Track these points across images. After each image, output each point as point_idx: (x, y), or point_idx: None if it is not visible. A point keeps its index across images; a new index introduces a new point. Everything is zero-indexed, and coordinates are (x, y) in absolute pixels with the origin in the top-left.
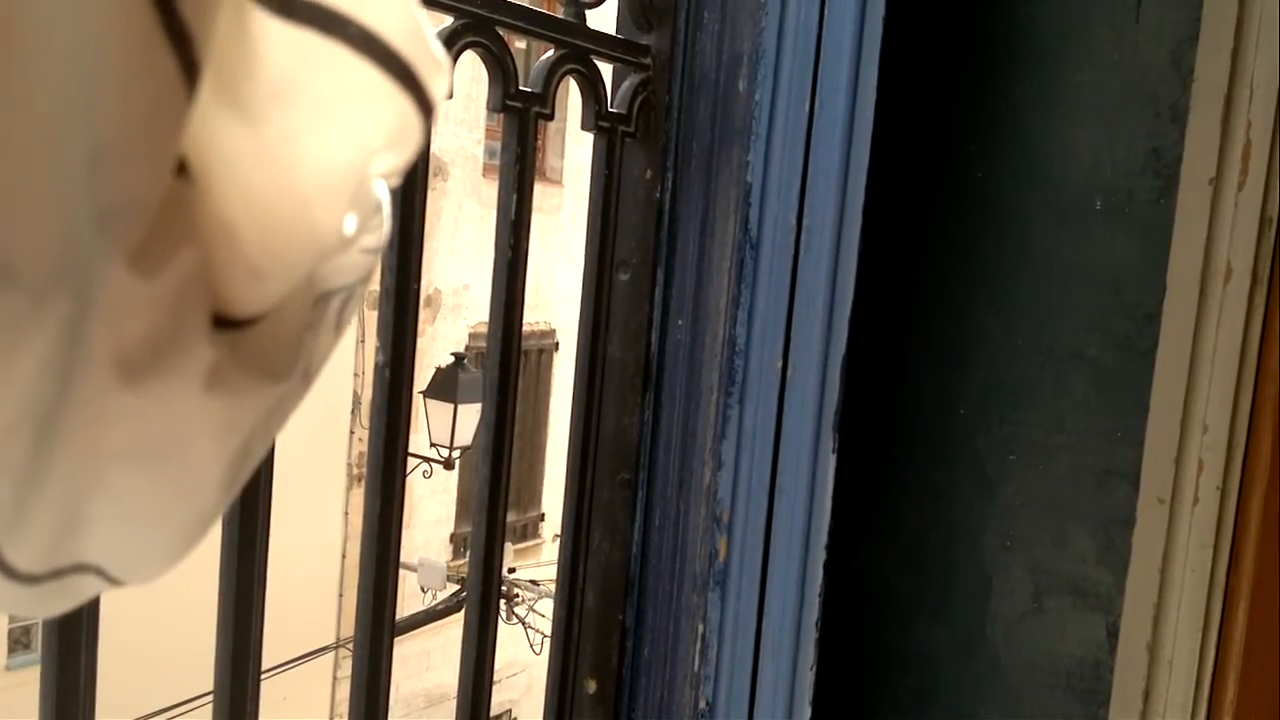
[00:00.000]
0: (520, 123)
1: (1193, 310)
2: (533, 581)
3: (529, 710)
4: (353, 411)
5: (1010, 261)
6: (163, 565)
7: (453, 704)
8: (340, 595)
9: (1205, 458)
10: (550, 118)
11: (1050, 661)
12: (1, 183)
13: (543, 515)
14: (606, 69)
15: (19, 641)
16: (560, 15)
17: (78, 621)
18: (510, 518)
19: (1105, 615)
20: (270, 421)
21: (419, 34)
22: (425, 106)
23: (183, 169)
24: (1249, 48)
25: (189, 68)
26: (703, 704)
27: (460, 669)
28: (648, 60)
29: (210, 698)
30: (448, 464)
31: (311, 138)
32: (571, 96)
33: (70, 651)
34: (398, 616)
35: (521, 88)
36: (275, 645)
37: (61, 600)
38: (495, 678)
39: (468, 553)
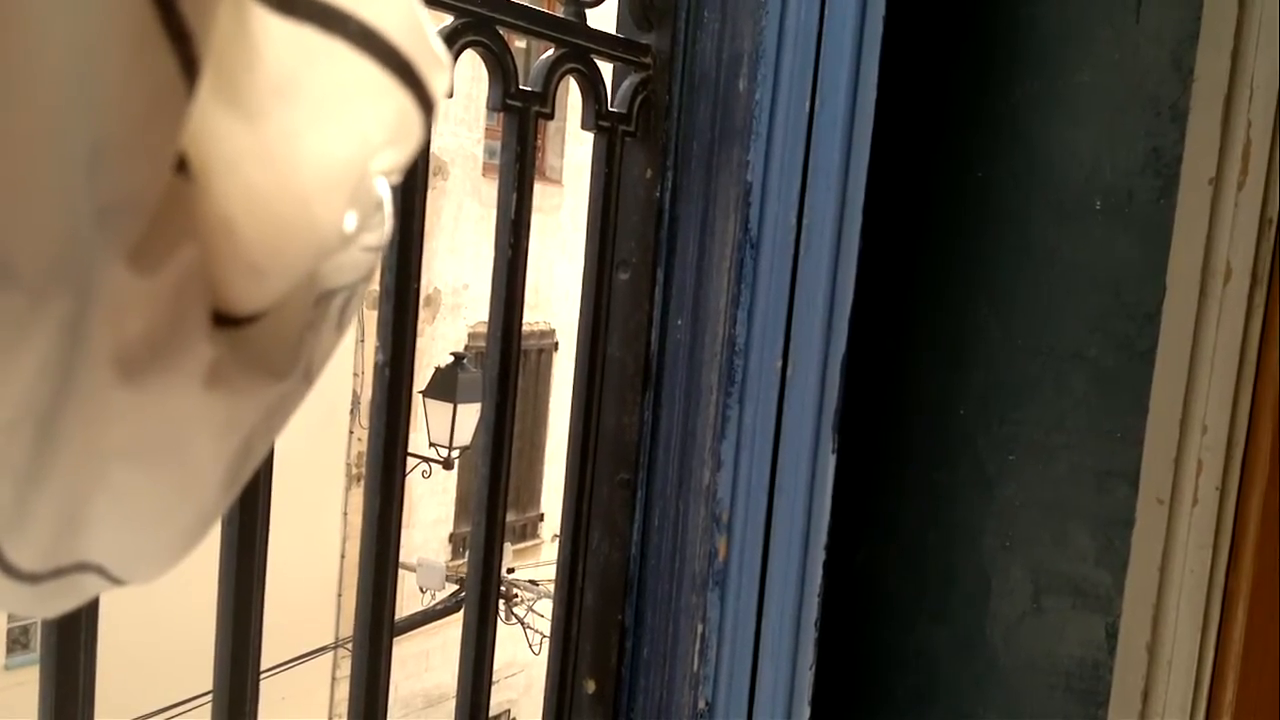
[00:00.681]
0: (520, 122)
1: (1192, 310)
2: (532, 581)
3: (528, 710)
4: (352, 411)
5: (1010, 261)
6: (164, 564)
7: (452, 704)
8: (339, 595)
9: (1204, 458)
10: (550, 117)
11: (1050, 662)
12: (1, 180)
13: (542, 515)
14: (607, 68)
15: (18, 641)
16: (560, 14)
17: (77, 621)
18: (509, 518)
19: (1105, 615)
20: (271, 420)
21: (419, 30)
22: (426, 103)
23: (182, 166)
24: (1249, 48)
25: (188, 65)
26: (702, 704)
27: (459, 669)
28: (648, 59)
29: (209, 697)
30: (447, 464)
31: (312, 134)
32: (571, 96)
33: (70, 651)
34: (397, 616)
35: (521, 87)
36: (274, 645)
37: (63, 599)
38: (494, 678)
39: (467, 553)
